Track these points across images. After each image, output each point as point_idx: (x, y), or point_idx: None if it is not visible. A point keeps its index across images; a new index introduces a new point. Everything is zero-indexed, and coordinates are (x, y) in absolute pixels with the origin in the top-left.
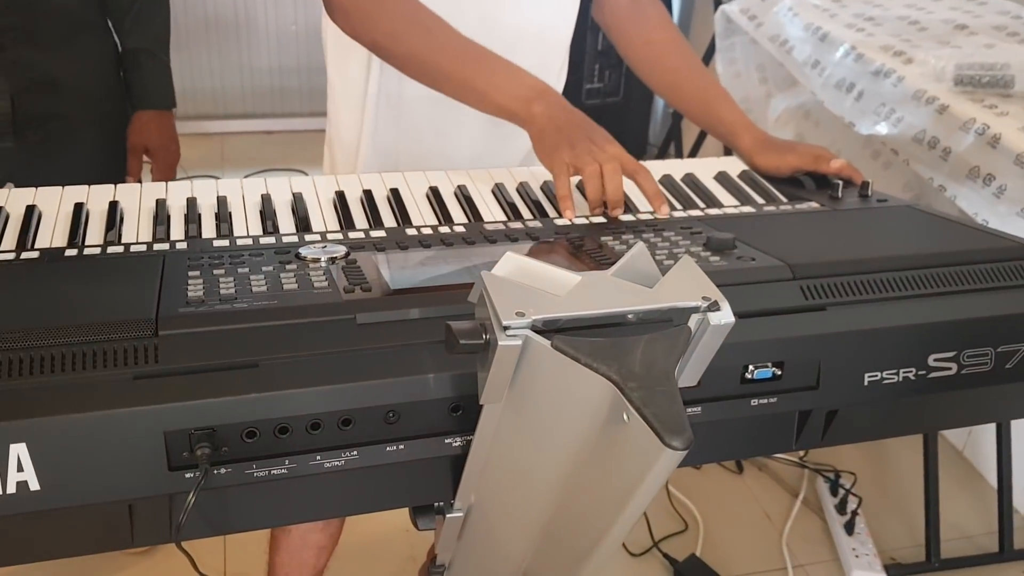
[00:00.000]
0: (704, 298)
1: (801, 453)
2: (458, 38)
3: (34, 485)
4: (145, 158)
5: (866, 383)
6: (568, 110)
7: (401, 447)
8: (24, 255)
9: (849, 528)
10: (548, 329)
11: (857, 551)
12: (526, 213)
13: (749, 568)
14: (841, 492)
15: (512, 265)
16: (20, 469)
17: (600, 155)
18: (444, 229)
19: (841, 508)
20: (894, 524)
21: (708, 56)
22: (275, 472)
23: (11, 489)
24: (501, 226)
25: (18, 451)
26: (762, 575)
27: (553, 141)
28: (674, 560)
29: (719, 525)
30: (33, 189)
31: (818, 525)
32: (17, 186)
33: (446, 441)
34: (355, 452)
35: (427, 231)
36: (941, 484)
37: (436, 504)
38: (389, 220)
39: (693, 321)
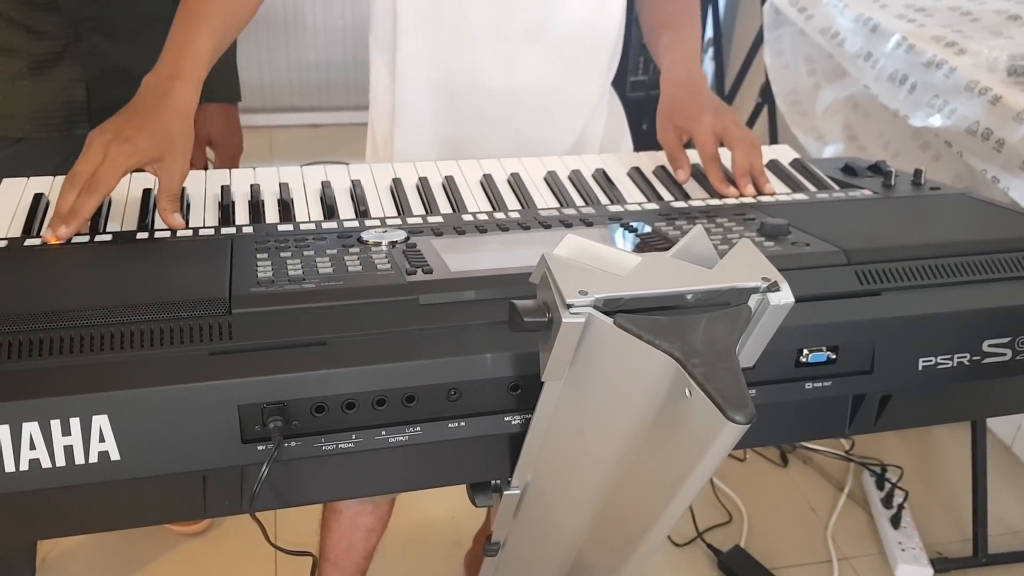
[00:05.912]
0: (764, 279)
1: (847, 446)
2: (195, 9)
3: (115, 455)
4: (208, 150)
5: (920, 368)
6: (148, 95)
7: (462, 424)
8: (97, 238)
9: (895, 522)
10: (610, 308)
11: (903, 545)
12: (578, 199)
13: (794, 560)
14: (887, 486)
15: (573, 246)
16: (102, 439)
17: (112, 149)
18: (499, 215)
19: (887, 502)
20: (941, 518)
21: (755, 47)
22: (342, 446)
23: (93, 459)
24: (555, 212)
25: (100, 422)
26: (807, 567)
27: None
28: (718, 551)
29: (763, 517)
30: None
31: (863, 518)
32: None
33: (505, 419)
34: (418, 428)
35: (482, 217)
36: (989, 478)
37: (494, 482)
38: (445, 206)
39: (753, 301)
